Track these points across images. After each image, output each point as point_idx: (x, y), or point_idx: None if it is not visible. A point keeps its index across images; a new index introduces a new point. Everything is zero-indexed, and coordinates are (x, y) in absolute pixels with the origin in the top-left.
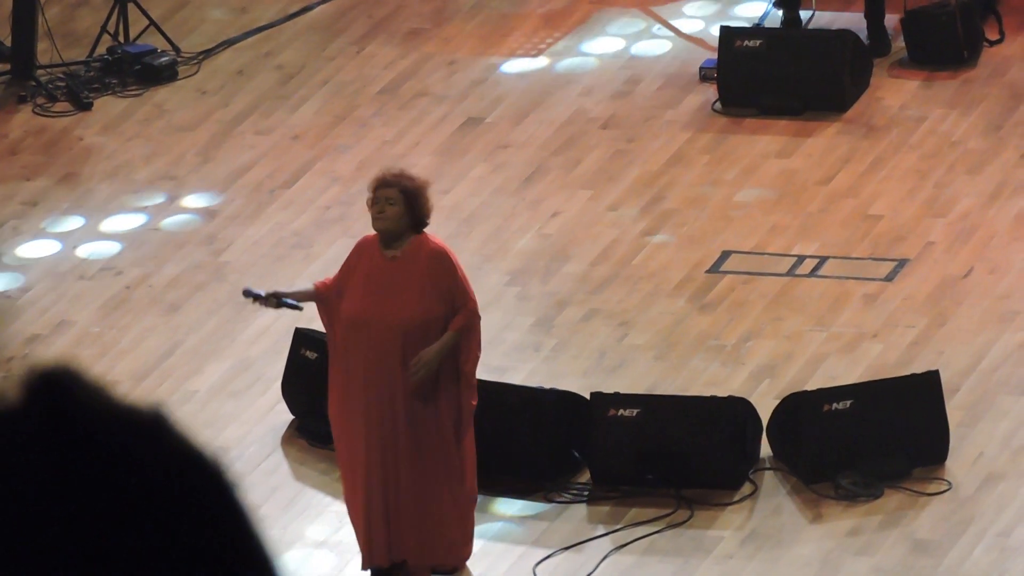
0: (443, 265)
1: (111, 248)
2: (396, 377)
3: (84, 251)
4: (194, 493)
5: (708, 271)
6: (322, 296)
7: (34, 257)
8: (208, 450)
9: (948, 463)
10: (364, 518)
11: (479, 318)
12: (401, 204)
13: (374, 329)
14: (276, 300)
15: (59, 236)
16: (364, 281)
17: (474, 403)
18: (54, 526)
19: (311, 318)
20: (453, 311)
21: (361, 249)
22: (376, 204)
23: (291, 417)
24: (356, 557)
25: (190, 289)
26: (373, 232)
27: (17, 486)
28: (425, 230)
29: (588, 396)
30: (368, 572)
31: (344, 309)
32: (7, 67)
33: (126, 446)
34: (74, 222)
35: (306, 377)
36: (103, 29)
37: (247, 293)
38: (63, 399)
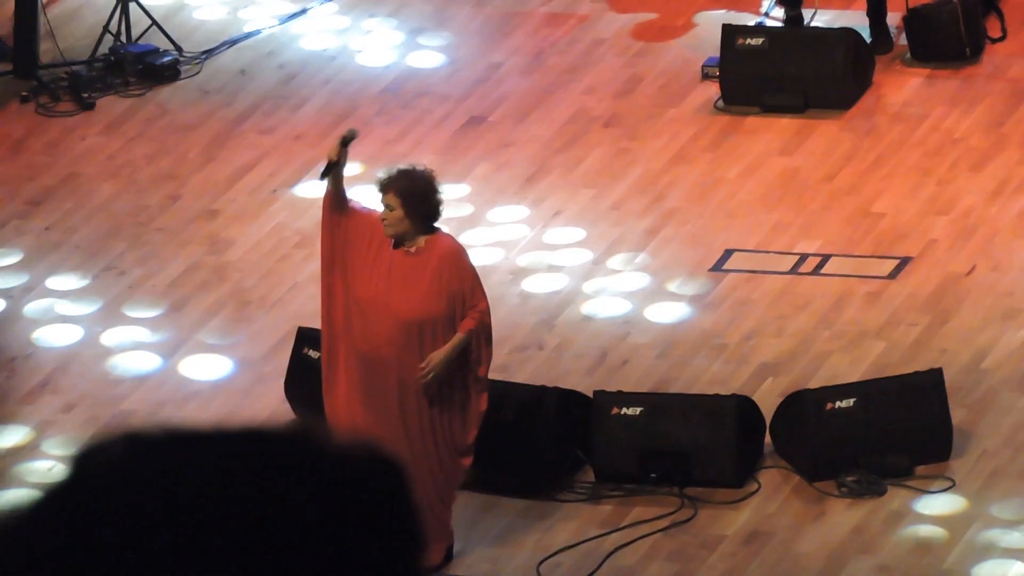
0: (454, 266)
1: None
2: (391, 367)
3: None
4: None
5: (711, 269)
6: (343, 209)
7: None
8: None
9: (951, 461)
10: None
11: (490, 320)
12: (400, 207)
13: (378, 317)
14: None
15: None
16: (375, 262)
17: (484, 407)
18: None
19: (313, 313)
20: (460, 313)
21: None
22: (381, 211)
23: (294, 417)
24: None
25: (192, 289)
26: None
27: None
28: (441, 229)
29: (591, 395)
30: None
31: (355, 285)
32: (9, 67)
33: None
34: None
35: (309, 376)
36: (105, 29)
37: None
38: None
